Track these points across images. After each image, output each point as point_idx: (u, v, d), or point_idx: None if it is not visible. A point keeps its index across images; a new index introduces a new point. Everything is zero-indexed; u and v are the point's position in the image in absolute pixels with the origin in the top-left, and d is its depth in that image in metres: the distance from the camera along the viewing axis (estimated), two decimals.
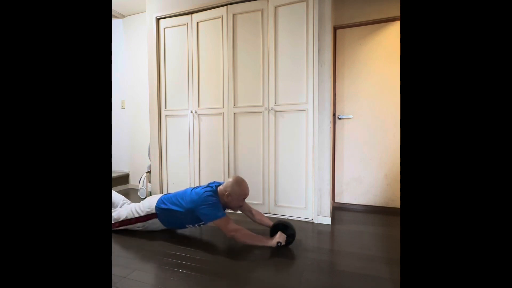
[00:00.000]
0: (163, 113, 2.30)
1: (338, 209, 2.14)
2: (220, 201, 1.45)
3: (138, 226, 1.59)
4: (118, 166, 3.04)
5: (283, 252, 1.33)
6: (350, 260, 1.25)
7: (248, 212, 1.62)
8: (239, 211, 1.67)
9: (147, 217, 1.55)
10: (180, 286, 1.04)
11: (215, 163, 2.11)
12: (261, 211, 1.96)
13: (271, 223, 1.52)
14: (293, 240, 1.42)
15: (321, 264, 1.21)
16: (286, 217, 1.88)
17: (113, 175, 2.81)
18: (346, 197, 2.26)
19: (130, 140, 2.99)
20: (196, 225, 1.51)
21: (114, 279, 1.09)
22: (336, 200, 2.29)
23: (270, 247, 1.38)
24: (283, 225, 1.43)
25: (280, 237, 1.35)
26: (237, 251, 1.36)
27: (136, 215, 1.56)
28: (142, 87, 2.85)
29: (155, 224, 1.57)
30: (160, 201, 1.53)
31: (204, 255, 1.31)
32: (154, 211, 1.52)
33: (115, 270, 1.16)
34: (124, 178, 2.97)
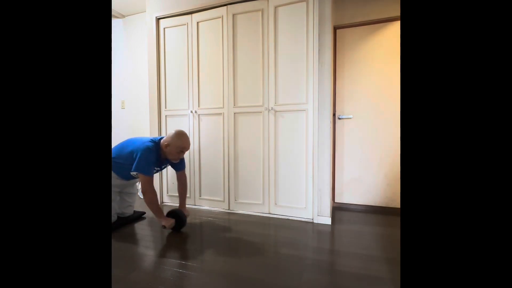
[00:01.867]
0: (163, 113, 2.30)
1: (338, 209, 2.14)
2: (160, 154, 1.58)
3: None
4: None
5: (283, 252, 1.34)
6: (350, 260, 1.25)
7: (179, 179, 1.77)
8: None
9: None
10: (180, 286, 1.04)
11: (215, 163, 2.11)
12: (261, 211, 1.96)
13: (182, 206, 1.76)
14: (178, 230, 1.60)
15: (321, 264, 1.21)
16: (286, 217, 1.88)
17: None
18: (346, 197, 2.26)
19: None
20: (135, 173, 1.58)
21: (114, 279, 1.09)
22: (336, 200, 2.29)
23: (266, 243, 1.40)
24: (176, 215, 1.60)
25: (169, 223, 1.54)
26: (237, 251, 1.36)
27: None
28: (142, 87, 2.85)
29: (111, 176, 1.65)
30: None
31: (204, 255, 1.31)
32: None
33: (115, 270, 1.16)
34: None
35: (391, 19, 2.06)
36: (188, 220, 1.86)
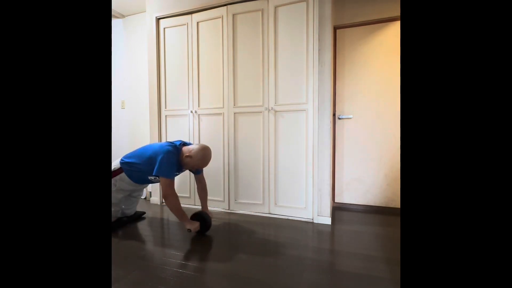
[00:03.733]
0: (163, 113, 2.30)
1: (338, 209, 2.14)
2: (179, 159, 1.54)
3: (112, 189, 1.63)
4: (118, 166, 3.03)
5: (283, 252, 1.34)
6: (350, 260, 1.25)
7: (199, 182, 1.73)
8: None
9: (114, 173, 1.61)
10: (180, 286, 1.04)
11: (215, 163, 2.11)
12: (261, 211, 1.96)
13: (205, 208, 1.72)
14: (204, 233, 1.56)
15: (321, 264, 1.21)
16: (286, 217, 1.88)
17: None
18: (346, 197, 2.26)
19: (130, 140, 2.99)
20: (155, 177, 1.57)
21: (114, 279, 1.09)
22: (336, 200, 2.29)
23: (264, 243, 1.41)
24: (201, 217, 1.55)
25: (194, 226, 1.49)
26: (237, 251, 1.36)
27: None
28: (142, 87, 2.85)
29: (124, 180, 1.62)
30: (124, 156, 1.63)
31: (204, 256, 1.31)
32: (119, 166, 1.61)
33: (115, 270, 1.16)
34: None
35: (391, 19, 2.06)
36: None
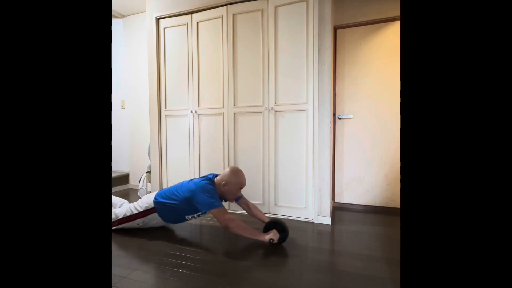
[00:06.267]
0: (163, 113, 2.30)
1: (338, 209, 2.14)
2: (217, 192, 1.48)
3: (137, 223, 1.59)
4: (118, 166, 3.04)
5: (283, 252, 1.33)
6: (350, 260, 1.25)
7: (245, 205, 1.66)
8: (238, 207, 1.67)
9: (146, 212, 1.55)
10: (180, 286, 1.04)
11: (215, 163, 2.11)
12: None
13: (266, 219, 1.58)
14: (286, 239, 1.44)
15: (321, 264, 1.21)
16: (286, 217, 1.88)
17: (113, 175, 2.81)
18: (346, 197, 2.26)
19: (130, 140, 2.99)
20: (195, 215, 1.53)
21: (114, 279, 1.09)
22: (336, 200, 2.29)
23: (262, 243, 1.42)
24: (277, 224, 1.46)
25: (274, 235, 1.38)
26: (237, 251, 1.36)
27: (135, 212, 1.57)
28: (142, 87, 2.85)
29: (155, 219, 1.58)
30: (158, 195, 1.55)
31: (204, 255, 1.31)
32: (152, 205, 1.54)
33: (115, 270, 1.16)
34: (124, 178, 2.97)
35: (391, 19, 2.06)
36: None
